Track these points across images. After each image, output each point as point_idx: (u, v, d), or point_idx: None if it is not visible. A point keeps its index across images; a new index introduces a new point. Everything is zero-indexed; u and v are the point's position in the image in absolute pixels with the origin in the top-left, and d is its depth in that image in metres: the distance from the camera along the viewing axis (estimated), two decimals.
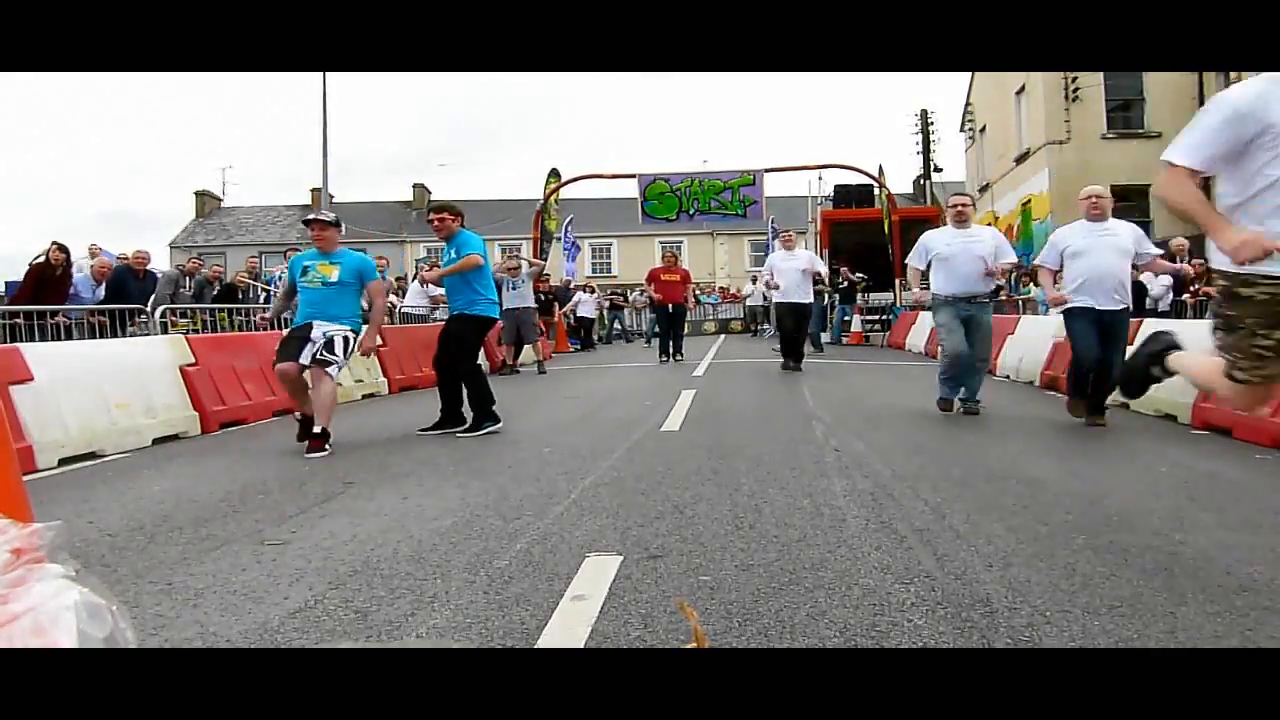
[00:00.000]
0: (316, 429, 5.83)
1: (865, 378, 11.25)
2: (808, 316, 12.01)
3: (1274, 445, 5.38)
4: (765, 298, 23.14)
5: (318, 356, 5.91)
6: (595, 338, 22.46)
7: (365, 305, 6.32)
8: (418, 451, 5.83)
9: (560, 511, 3.91)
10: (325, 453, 5.71)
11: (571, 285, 22.24)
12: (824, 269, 11.24)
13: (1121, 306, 6.26)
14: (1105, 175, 21.90)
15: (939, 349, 7.87)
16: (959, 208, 7.13)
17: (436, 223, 6.86)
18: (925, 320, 14.29)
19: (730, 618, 2.55)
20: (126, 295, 10.93)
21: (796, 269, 11.34)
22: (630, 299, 28.00)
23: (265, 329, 8.91)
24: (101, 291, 11.10)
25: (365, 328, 6.21)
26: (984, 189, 28.26)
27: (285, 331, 6.65)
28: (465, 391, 6.78)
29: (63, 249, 10.64)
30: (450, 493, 4.39)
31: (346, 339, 6.05)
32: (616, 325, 26.40)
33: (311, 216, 6.22)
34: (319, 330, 5.98)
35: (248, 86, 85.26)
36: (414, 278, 17.05)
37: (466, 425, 6.69)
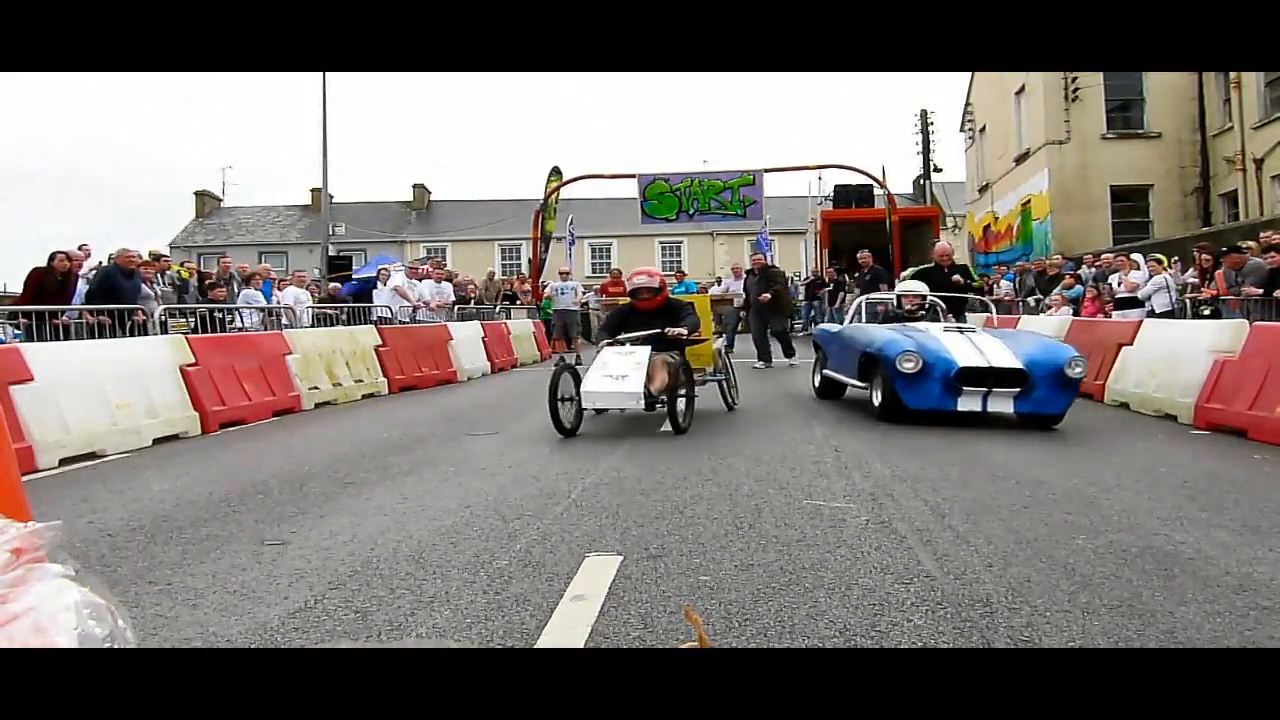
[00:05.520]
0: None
1: None
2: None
3: None
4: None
5: None
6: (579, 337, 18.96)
7: None
8: (418, 451, 5.83)
9: (560, 511, 3.91)
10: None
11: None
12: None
13: None
14: (1105, 175, 21.93)
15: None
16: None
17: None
18: None
19: (730, 618, 2.55)
20: (119, 295, 10.79)
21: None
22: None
23: None
24: (80, 288, 10.75)
25: None
26: (984, 189, 28.25)
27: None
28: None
29: (69, 256, 10.52)
30: (450, 493, 4.39)
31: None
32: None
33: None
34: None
35: (248, 86, 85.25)
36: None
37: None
